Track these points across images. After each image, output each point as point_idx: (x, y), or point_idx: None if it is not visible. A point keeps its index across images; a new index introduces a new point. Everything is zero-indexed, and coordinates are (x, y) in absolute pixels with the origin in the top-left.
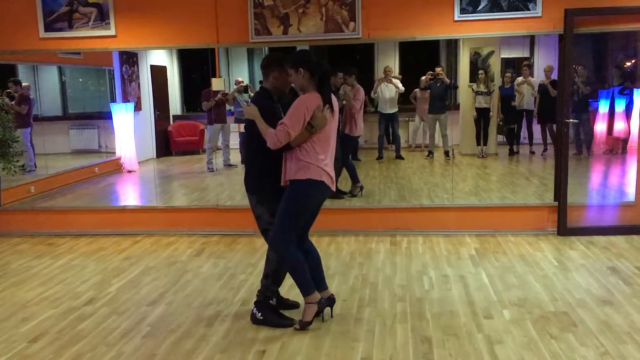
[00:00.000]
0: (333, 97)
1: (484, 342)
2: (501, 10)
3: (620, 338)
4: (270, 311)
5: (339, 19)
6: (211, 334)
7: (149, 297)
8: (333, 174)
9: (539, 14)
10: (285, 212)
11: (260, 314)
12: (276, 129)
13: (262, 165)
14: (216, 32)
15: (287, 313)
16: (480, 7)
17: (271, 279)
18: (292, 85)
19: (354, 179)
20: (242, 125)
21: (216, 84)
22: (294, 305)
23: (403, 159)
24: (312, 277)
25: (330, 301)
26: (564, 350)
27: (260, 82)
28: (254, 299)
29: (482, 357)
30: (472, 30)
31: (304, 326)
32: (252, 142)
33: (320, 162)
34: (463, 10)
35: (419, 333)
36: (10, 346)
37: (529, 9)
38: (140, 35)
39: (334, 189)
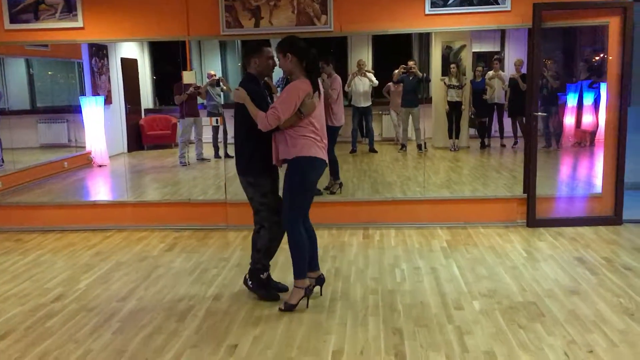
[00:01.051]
0: (319, 82)
1: (454, 332)
2: (471, 4)
3: (586, 327)
4: (259, 283)
5: (310, 12)
6: (183, 329)
7: (120, 293)
8: (326, 154)
9: (508, 8)
10: (288, 191)
11: (251, 282)
12: (267, 112)
13: (253, 147)
14: (187, 25)
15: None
16: (450, 1)
17: (263, 253)
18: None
19: (335, 174)
20: (214, 119)
21: (187, 77)
22: (283, 289)
23: (376, 152)
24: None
25: (320, 280)
26: (532, 339)
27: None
28: (226, 293)
29: (452, 347)
30: (443, 24)
31: (288, 308)
32: (242, 125)
33: (314, 140)
34: (434, 4)
35: (391, 325)
36: None
37: (498, 3)
38: (109, 27)
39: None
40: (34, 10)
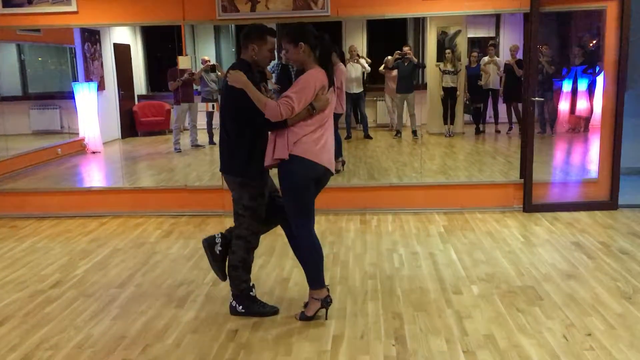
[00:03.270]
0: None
1: (454, 317)
2: None
3: (584, 310)
4: (251, 302)
5: None
6: (182, 314)
7: (118, 279)
8: (332, 158)
9: None
10: (290, 195)
11: (241, 307)
12: (279, 101)
13: (252, 147)
14: (182, 9)
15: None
16: None
17: (241, 269)
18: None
19: (338, 152)
20: (210, 105)
21: (183, 63)
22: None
23: (371, 138)
24: None
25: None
26: (531, 323)
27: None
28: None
29: (451, 331)
30: (440, 9)
31: (303, 319)
32: (236, 119)
33: (318, 142)
34: None
35: (390, 309)
36: None
37: None
38: (103, 11)
39: (333, 170)
40: None
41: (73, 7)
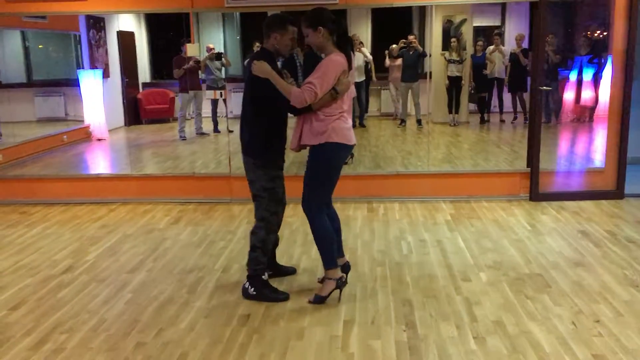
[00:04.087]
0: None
1: (463, 303)
2: None
3: (592, 298)
4: (263, 286)
5: None
6: (194, 299)
7: (129, 265)
8: (353, 134)
9: None
10: (314, 179)
11: (253, 289)
12: (303, 87)
13: (269, 129)
14: None
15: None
16: None
17: (260, 250)
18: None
19: None
20: (218, 93)
21: (191, 50)
22: (292, 271)
23: (364, 126)
24: None
25: (346, 268)
26: (540, 310)
27: (260, 44)
28: (235, 265)
29: (461, 317)
30: None
31: (318, 301)
32: (256, 104)
33: (345, 123)
34: None
35: (400, 296)
36: None
37: None
38: None
39: (354, 142)
40: None
41: None
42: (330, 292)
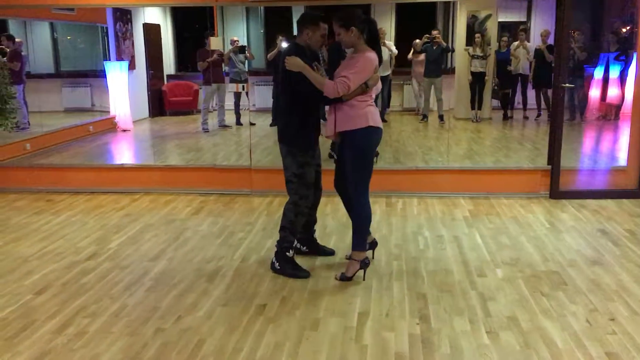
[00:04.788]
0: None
1: (478, 298)
2: None
3: (608, 296)
4: (286, 262)
5: None
6: (213, 288)
7: (150, 253)
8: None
9: None
10: (355, 163)
11: (277, 264)
12: (337, 80)
13: (302, 117)
14: None
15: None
16: None
17: (289, 230)
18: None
19: None
20: (241, 86)
21: (214, 43)
22: (330, 253)
23: (386, 121)
24: None
25: (373, 244)
26: (554, 307)
27: (294, 37)
28: (254, 256)
29: (475, 312)
30: None
31: (343, 279)
32: (290, 95)
33: (371, 107)
34: None
35: (415, 290)
36: (16, 298)
37: None
38: None
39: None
40: None
41: None
42: (355, 273)
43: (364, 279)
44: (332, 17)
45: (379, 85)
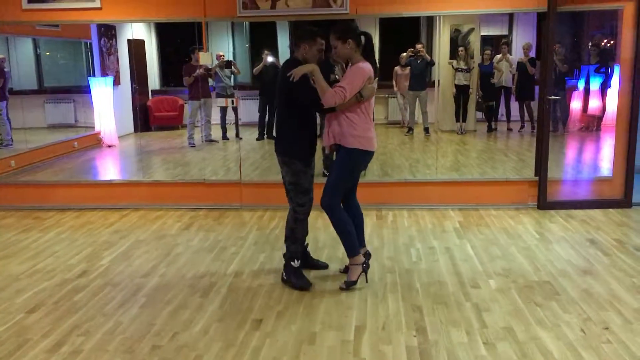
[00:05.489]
0: None
1: (473, 310)
2: None
3: (601, 305)
4: (290, 272)
5: None
6: (207, 304)
7: (142, 269)
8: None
9: None
10: (338, 178)
11: (285, 273)
12: (334, 89)
13: (296, 130)
14: (203, 6)
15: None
16: None
17: (289, 239)
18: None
19: None
20: (230, 100)
21: (204, 59)
22: (322, 266)
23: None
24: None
25: (367, 256)
26: (549, 317)
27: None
28: (247, 270)
29: (471, 323)
30: (458, 7)
31: (349, 285)
32: (287, 107)
33: (370, 131)
34: None
35: (410, 302)
36: (8, 317)
37: None
38: (126, 7)
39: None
40: None
41: (97, 4)
42: (359, 276)
43: (366, 282)
44: (328, 31)
45: (373, 101)
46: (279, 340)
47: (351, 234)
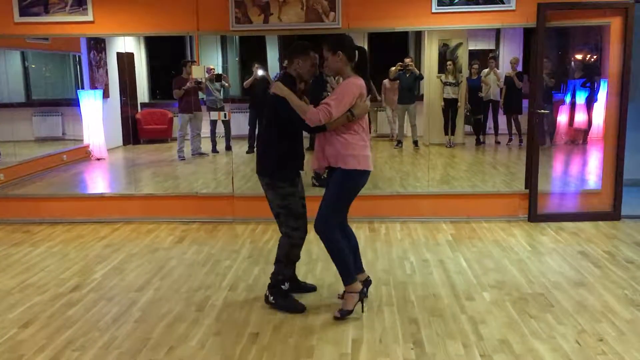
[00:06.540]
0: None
1: (468, 322)
2: (477, 3)
3: (595, 317)
4: (280, 295)
5: (319, 9)
6: (203, 317)
7: (136, 283)
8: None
9: (513, 8)
10: (333, 200)
11: (272, 297)
12: (319, 107)
13: (283, 150)
14: (196, 20)
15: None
16: (457, 0)
17: (282, 263)
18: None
19: None
20: (222, 114)
21: (196, 72)
22: (311, 289)
23: None
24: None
25: (367, 283)
26: (544, 329)
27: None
28: (242, 284)
29: (467, 336)
30: (448, 22)
31: (344, 315)
32: (271, 125)
33: (367, 149)
34: (440, 2)
35: (406, 315)
36: (2, 332)
37: (503, 3)
38: (118, 21)
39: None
40: (44, 3)
41: (89, 17)
42: (355, 305)
43: (362, 311)
44: (321, 44)
45: (367, 118)
46: (276, 354)
47: (347, 262)
